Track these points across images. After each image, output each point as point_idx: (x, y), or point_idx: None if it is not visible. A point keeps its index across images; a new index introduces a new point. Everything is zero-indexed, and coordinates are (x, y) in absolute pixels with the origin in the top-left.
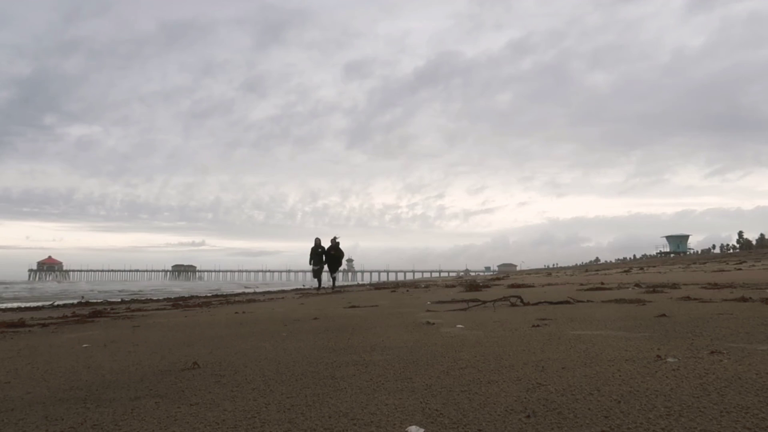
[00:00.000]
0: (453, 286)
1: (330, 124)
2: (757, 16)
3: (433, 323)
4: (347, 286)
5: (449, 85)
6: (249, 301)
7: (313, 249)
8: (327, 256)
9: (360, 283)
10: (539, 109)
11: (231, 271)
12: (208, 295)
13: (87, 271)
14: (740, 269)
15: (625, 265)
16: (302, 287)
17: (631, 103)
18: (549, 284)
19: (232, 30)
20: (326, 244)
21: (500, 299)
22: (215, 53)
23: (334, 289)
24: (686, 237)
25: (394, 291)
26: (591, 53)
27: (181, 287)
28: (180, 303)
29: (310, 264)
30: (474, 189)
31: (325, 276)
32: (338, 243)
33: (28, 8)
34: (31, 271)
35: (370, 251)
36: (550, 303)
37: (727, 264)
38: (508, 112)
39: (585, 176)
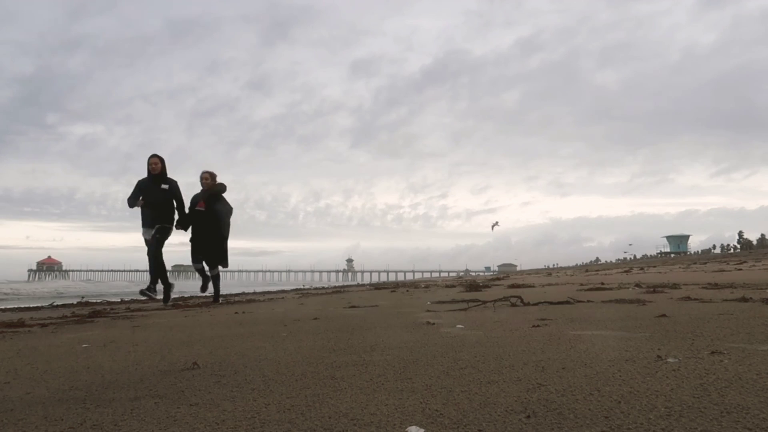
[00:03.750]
0: (453, 286)
1: (335, 123)
2: None
3: (433, 323)
4: (347, 286)
5: (456, 83)
6: (249, 301)
7: (141, 186)
8: (196, 215)
9: (360, 283)
10: (546, 108)
11: (230, 271)
12: (208, 295)
13: (87, 270)
14: (741, 269)
15: (625, 265)
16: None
17: (640, 101)
18: (549, 284)
19: (238, 27)
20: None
21: (500, 299)
22: (221, 51)
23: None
24: (686, 237)
25: (394, 291)
26: (600, 51)
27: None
28: (180, 303)
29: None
30: (477, 189)
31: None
32: (223, 187)
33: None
34: (30, 271)
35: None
36: (551, 303)
37: (728, 264)
38: (514, 110)
39: (590, 176)
